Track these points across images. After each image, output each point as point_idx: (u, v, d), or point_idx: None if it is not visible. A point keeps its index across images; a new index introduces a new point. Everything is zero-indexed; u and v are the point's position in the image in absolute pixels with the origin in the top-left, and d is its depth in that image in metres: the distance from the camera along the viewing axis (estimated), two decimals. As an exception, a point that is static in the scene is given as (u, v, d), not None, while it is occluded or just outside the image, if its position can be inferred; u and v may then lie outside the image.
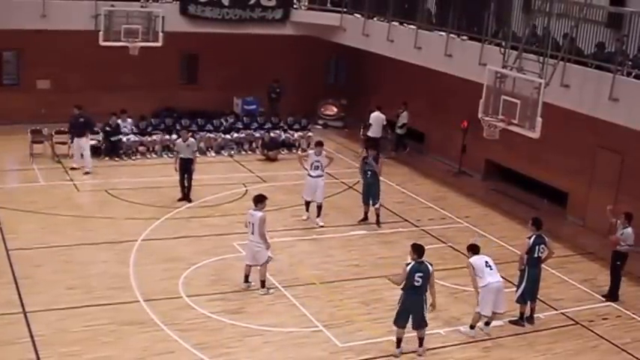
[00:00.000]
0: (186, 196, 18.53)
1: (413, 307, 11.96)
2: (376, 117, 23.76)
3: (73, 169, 20.51)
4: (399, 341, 12.19)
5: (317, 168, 17.47)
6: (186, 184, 18.52)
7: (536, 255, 13.23)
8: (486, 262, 12.67)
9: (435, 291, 12.17)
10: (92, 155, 21.46)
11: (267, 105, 26.05)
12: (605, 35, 15.86)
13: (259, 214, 13.68)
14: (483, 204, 20.16)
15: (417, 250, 12.02)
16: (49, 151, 21.51)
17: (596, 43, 15.73)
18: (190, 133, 19.93)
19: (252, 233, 13.77)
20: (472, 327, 12.98)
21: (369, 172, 17.57)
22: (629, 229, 14.42)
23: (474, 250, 12.92)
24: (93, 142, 21.77)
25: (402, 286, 11.97)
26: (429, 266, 11.97)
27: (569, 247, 17.34)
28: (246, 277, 14.10)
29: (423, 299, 12.00)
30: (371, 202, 17.71)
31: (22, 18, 21.34)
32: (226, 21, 24.27)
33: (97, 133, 21.71)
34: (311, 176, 17.49)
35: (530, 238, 13.26)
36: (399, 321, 12.08)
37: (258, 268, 13.96)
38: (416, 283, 11.81)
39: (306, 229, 17.30)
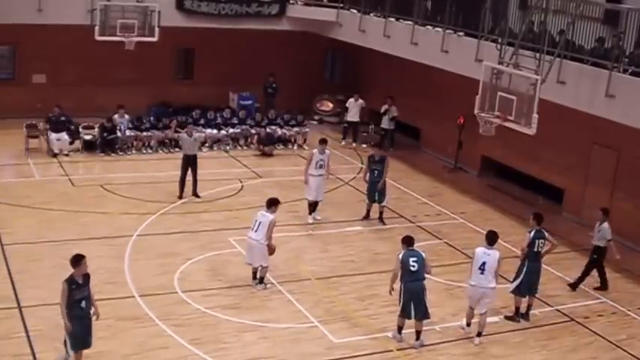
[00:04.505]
0: (193, 192, 18.50)
1: (415, 294, 12.07)
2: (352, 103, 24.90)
3: (54, 155, 20.93)
4: (399, 328, 12.40)
5: (321, 167, 17.26)
6: (190, 179, 18.48)
7: (535, 249, 13.30)
8: (484, 263, 12.39)
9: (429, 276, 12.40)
10: (87, 150, 21.66)
11: (264, 100, 26.02)
12: (602, 32, 15.87)
13: (271, 216, 13.64)
14: (479, 200, 20.18)
15: (406, 240, 12.37)
16: (44, 145, 21.46)
17: (596, 38, 15.73)
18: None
19: (255, 231, 13.70)
20: (468, 324, 12.99)
21: (377, 172, 17.50)
22: (606, 224, 14.55)
23: (488, 240, 12.61)
24: (88, 137, 21.80)
25: (400, 277, 12.10)
26: (422, 253, 12.25)
27: (565, 244, 17.32)
28: (254, 274, 14.08)
29: (423, 285, 12.12)
30: (377, 199, 17.65)
31: (17, 12, 21.29)
32: (222, 16, 24.24)
33: (77, 132, 21.80)
34: (313, 175, 17.24)
35: (530, 232, 13.35)
36: (405, 312, 12.19)
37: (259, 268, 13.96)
38: (412, 268, 12.00)
39: (301, 225, 17.28)
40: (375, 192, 17.60)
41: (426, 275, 12.30)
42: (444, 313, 13.51)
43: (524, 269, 13.33)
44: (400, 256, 12.15)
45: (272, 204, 13.82)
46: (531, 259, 13.34)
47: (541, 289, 14.58)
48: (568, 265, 16.21)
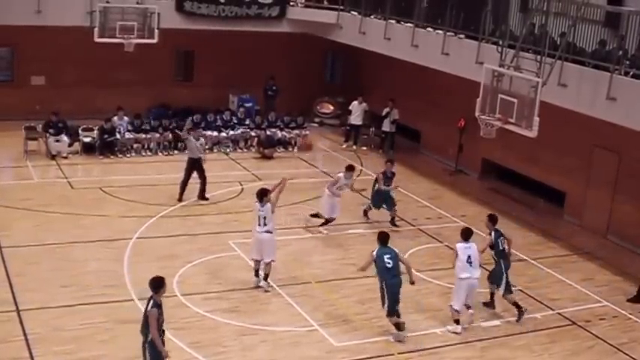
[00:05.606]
0: (201, 195, 18.43)
1: (397, 289, 12.35)
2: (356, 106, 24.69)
3: (52, 157, 20.87)
4: (397, 325, 12.48)
5: (341, 189, 17.13)
6: (192, 182, 18.36)
7: (501, 248, 13.53)
8: (469, 256, 12.79)
9: (412, 270, 12.67)
10: (86, 152, 21.64)
11: (264, 102, 25.98)
12: (604, 34, 15.83)
13: (268, 205, 13.73)
14: (480, 203, 20.08)
15: (381, 238, 12.65)
16: (43, 148, 21.39)
17: (597, 41, 15.70)
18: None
19: (264, 225, 13.68)
20: (457, 322, 13.04)
21: (387, 185, 17.65)
22: None
23: (464, 235, 13.11)
24: (88, 140, 21.74)
25: (379, 276, 12.40)
26: (394, 249, 12.59)
27: (566, 247, 17.32)
28: (257, 271, 14.07)
29: (401, 280, 12.39)
30: (385, 207, 17.70)
31: (16, 14, 21.25)
32: (222, 18, 24.19)
33: (77, 134, 21.76)
34: (335, 195, 17.03)
35: (490, 234, 13.59)
36: (393, 309, 12.40)
37: (264, 264, 13.96)
38: (387, 265, 12.30)
39: (301, 228, 17.21)
40: (387, 203, 17.65)
41: (415, 272, 12.74)
42: (446, 317, 13.41)
43: (503, 269, 13.48)
44: (374, 252, 12.45)
45: (263, 195, 13.80)
46: (503, 258, 13.56)
47: (543, 293, 14.72)
48: (569, 268, 16.16)
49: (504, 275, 13.43)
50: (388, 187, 17.69)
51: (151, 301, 10.06)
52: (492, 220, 13.82)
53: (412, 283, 12.74)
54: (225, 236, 16.24)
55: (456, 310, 12.93)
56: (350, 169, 17.43)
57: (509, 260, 13.67)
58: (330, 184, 17.26)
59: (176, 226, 16.81)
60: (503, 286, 13.46)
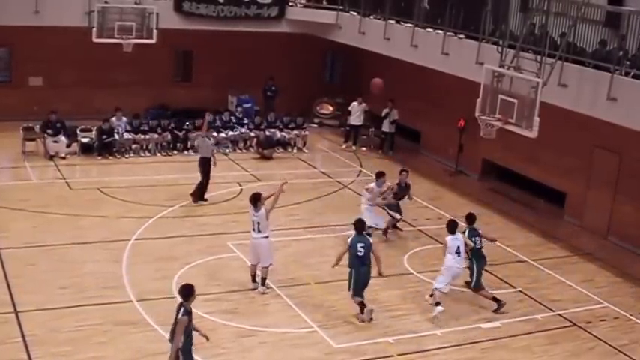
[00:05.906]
0: (201, 196, 18.34)
1: (366, 277, 12.94)
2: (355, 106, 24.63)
3: (51, 158, 20.83)
4: (361, 304, 13.00)
5: (376, 198, 16.74)
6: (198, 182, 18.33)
7: (477, 247, 13.78)
8: (458, 246, 13.35)
9: (380, 262, 13.05)
10: (85, 153, 21.58)
11: (263, 103, 25.93)
12: (604, 34, 15.79)
13: (262, 210, 13.66)
14: (480, 204, 19.99)
15: (357, 225, 13.16)
16: (41, 149, 21.31)
17: (598, 41, 15.66)
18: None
19: (259, 231, 13.65)
20: (438, 304, 13.26)
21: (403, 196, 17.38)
22: None
23: (450, 228, 13.56)
24: (86, 140, 21.67)
25: (349, 262, 12.94)
26: (370, 238, 13.13)
27: (567, 248, 17.27)
28: (253, 276, 14.01)
29: (370, 269, 12.95)
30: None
31: (14, 14, 21.16)
32: (221, 18, 24.13)
33: (75, 134, 21.70)
34: (378, 205, 16.67)
35: (463, 232, 13.84)
36: (359, 293, 13.01)
37: (261, 267, 13.91)
38: (359, 253, 12.83)
39: (301, 229, 17.14)
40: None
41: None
42: (446, 317, 13.37)
43: (476, 267, 13.77)
44: (349, 240, 13.00)
45: (257, 200, 13.73)
46: (477, 257, 13.81)
47: (543, 294, 14.68)
48: (570, 269, 16.11)
49: (475, 273, 13.80)
50: (398, 200, 17.21)
51: (182, 309, 10.04)
52: (468, 219, 14.08)
53: (380, 274, 13.09)
54: (224, 237, 16.17)
55: (438, 289, 13.30)
56: (380, 175, 16.80)
57: (484, 259, 13.98)
58: (372, 198, 16.55)
59: (175, 227, 16.74)
60: (474, 281, 13.83)
